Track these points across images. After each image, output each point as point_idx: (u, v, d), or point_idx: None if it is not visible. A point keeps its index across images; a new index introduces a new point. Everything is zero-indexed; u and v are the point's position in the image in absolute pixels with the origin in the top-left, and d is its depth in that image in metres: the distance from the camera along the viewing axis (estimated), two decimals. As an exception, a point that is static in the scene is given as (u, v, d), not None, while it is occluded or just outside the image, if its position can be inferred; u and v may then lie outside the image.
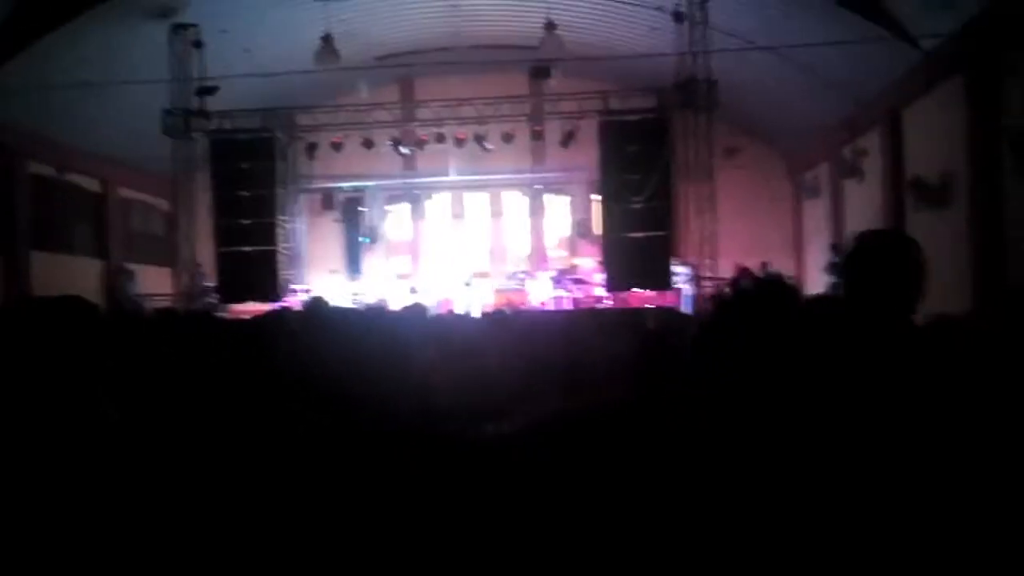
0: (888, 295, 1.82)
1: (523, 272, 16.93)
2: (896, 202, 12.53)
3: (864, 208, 14.05)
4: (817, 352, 1.75)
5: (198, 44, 13.00)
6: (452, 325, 4.34)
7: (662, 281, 14.07)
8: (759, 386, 1.61)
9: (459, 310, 14.77)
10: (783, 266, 16.55)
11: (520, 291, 16.30)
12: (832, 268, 13.47)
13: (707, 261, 13.20)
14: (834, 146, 15.24)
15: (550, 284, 16.10)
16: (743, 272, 15.32)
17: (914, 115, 12.15)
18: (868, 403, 1.56)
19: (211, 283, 14.73)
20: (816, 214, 16.79)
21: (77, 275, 14.91)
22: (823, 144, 15.76)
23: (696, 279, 13.75)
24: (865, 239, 1.98)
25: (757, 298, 1.97)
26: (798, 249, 17.85)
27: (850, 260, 1.92)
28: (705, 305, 13.15)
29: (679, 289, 14.29)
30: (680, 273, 13.99)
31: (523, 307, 15.46)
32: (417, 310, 5.04)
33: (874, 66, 11.78)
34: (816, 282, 15.67)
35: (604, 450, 1.22)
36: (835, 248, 14.27)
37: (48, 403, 1.78)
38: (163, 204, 17.53)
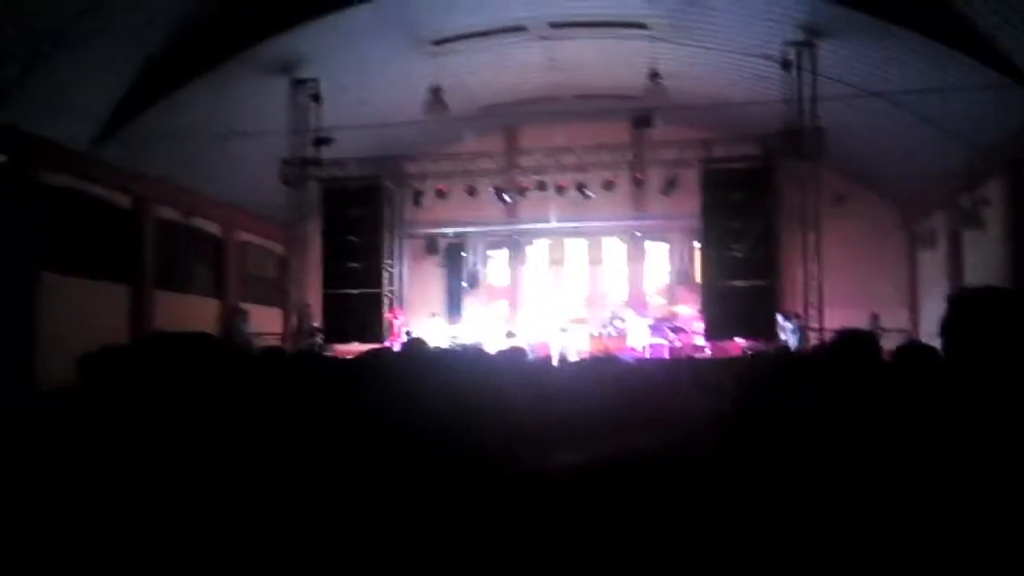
0: (986, 350, 1.75)
1: (620, 319, 16.81)
2: (1020, 254, 11.83)
3: (986, 260, 13.32)
4: (906, 405, 1.69)
5: (316, 98, 13.72)
6: (546, 369, 4.37)
7: (765, 330, 13.67)
8: (840, 437, 1.58)
9: (555, 355, 14.80)
10: (895, 318, 15.83)
11: (617, 338, 16.19)
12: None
13: (812, 312, 12.76)
14: (951, 195, 14.57)
15: (648, 331, 15.93)
16: (873, 320, 14.75)
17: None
18: (950, 459, 1.49)
19: (318, 323, 15.28)
20: (932, 265, 16.02)
21: (196, 313, 15.79)
22: (939, 193, 15.09)
23: (802, 330, 13.31)
24: (963, 295, 1.91)
25: (835, 351, 1.92)
26: (912, 301, 17.04)
27: (949, 316, 1.86)
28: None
29: (783, 340, 13.86)
30: (785, 325, 13.58)
31: (619, 354, 15.31)
32: (514, 354, 5.11)
33: (993, 112, 11.28)
34: (932, 335, 14.88)
35: (669, 493, 1.23)
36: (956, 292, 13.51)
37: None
38: (277, 248, 18.43)
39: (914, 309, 16.97)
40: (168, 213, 15.16)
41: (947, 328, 1.92)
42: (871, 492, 1.48)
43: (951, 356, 1.92)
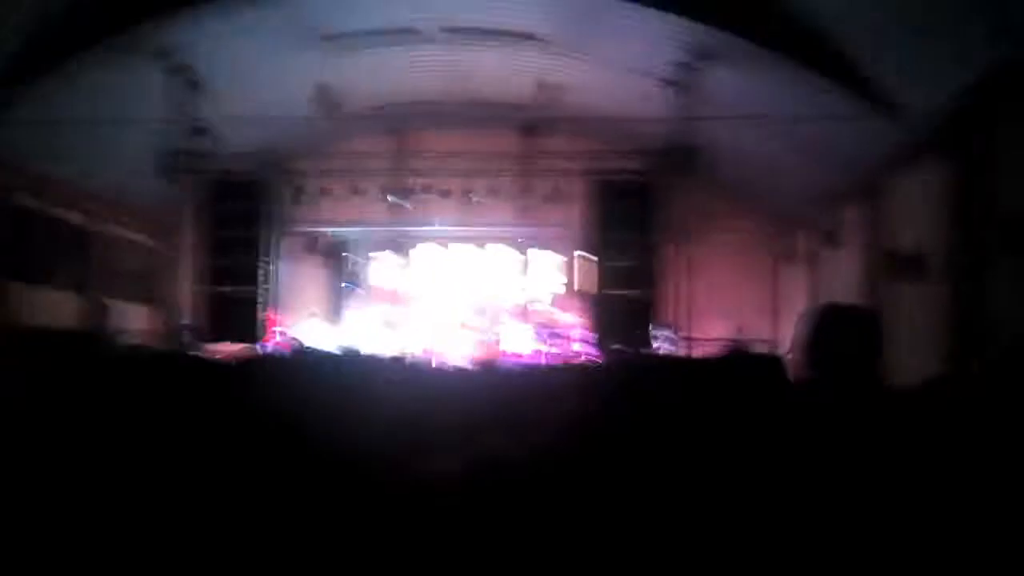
0: (850, 364, 1.87)
1: (504, 325, 16.95)
2: (872, 272, 12.73)
3: (840, 277, 14.26)
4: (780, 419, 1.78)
5: (194, 85, 13.15)
6: (431, 374, 4.35)
7: (641, 339, 14.15)
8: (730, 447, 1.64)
9: (440, 360, 14.76)
10: (759, 329, 16.74)
11: (500, 343, 16.33)
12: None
13: (682, 322, 13.30)
14: (813, 216, 15.52)
15: (530, 338, 16.14)
16: (738, 331, 15.48)
17: (898, 188, 12.42)
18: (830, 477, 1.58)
19: (188, 321, 14.65)
20: (793, 280, 17.00)
21: (56, 308, 14.80)
22: (803, 213, 16.06)
23: (675, 341, 13.84)
24: (824, 314, 2.04)
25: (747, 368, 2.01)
26: (774, 314, 18.02)
27: (812, 334, 1.98)
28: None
29: (657, 348, 14.37)
30: (659, 335, 14.08)
31: (500, 360, 15.45)
32: (392, 361, 5.05)
33: (860, 138, 12.06)
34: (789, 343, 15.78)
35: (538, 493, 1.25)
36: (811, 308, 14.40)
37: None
38: (147, 242, 17.52)
39: (775, 320, 17.95)
40: (27, 202, 14.14)
41: (808, 339, 2.04)
42: (717, 488, 1.55)
43: (805, 369, 2.03)
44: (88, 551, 1.65)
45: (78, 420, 2.09)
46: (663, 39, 12.46)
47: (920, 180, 11.49)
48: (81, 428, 2.13)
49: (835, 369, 1.94)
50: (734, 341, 15.40)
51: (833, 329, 2.00)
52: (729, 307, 16.09)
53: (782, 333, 17.36)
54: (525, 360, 15.57)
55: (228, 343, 13.93)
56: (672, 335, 13.95)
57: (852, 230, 13.88)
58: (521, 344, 16.22)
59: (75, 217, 15.81)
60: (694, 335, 13.30)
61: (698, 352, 13.61)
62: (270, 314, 15.20)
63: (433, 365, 11.37)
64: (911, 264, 11.51)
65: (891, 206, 12.65)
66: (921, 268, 11.28)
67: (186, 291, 14.68)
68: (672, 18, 11.80)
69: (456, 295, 19.27)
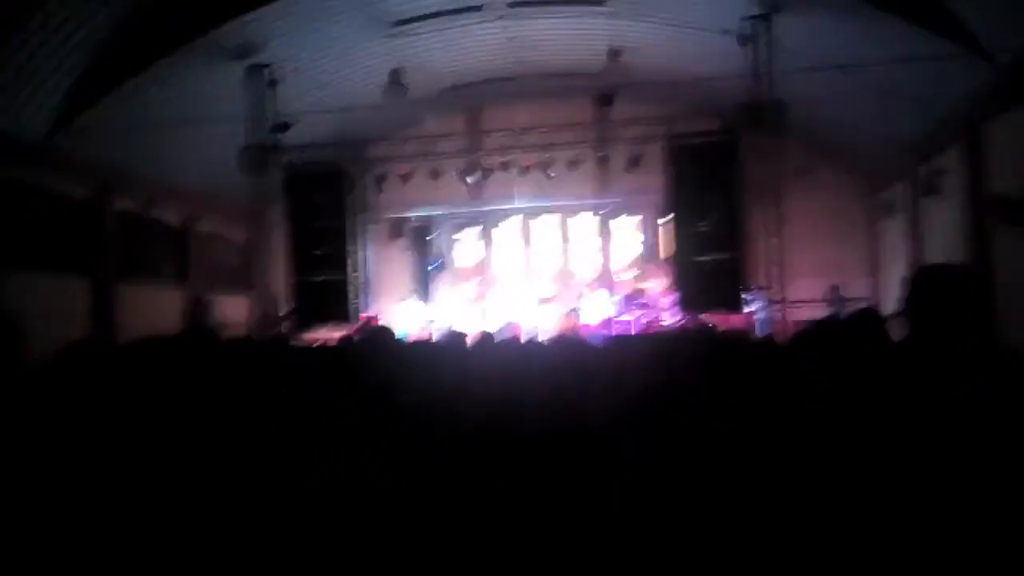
0: (946, 328, 1.78)
1: (590, 296, 16.89)
2: (978, 221, 12.07)
3: (944, 227, 13.59)
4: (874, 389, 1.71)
5: (273, 83, 13.49)
6: (517, 352, 4.38)
7: (732, 304, 13.83)
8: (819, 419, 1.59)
9: (526, 334, 14.83)
10: (858, 288, 16.14)
11: (587, 315, 16.28)
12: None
13: (776, 284, 12.90)
14: (911, 165, 14.80)
15: (616, 308, 16.04)
16: (833, 291, 15.00)
17: (996, 132, 11.72)
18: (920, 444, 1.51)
19: (284, 311, 15.14)
20: (893, 234, 16.30)
21: (160, 305, 15.52)
22: (900, 163, 15.33)
23: (769, 305, 13.47)
24: (923, 275, 1.94)
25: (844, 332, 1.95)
26: (874, 270, 17.35)
27: (912, 298, 1.88)
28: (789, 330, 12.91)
29: (751, 313, 14.03)
30: (752, 297, 13.73)
31: (588, 331, 15.42)
32: (485, 339, 5.10)
33: (951, 83, 11.44)
34: (894, 303, 15.18)
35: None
36: (914, 271, 13.81)
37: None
38: (240, 236, 18.17)
39: (876, 277, 17.28)
40: (127, 204, 14.85)
41: (908, 306, 1.95)
42: (803, 461, 1.50)
43: (913, 333, 1.95)
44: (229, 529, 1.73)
45: (208, 411, 2.19)
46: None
47: (1017, 122, 10.80)
48: (211, 418, 2.23)
49: (940, 333, 1.85)
50: (828, 302, 14.93)
51: (936, 292, 1.90)
52: (825, 266, 15.57)
53: (883, 291, 16.73)
54: (608, 331, 15.49)
55: (323, 330, 14.35)
56: (766, 298, 13.59)
57: (953, 178, 13.18)
58: (604, 315, 16.15)
59: (172, 216, 16.54)
60: (789, 297, 12.90)
61: (793, 315, 13.23)
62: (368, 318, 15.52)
63: (518, 340, 11.43)
64: (1019, 209, 10.87)
65: (993, 151, 11.95)
66: (1029, 213, 10.65)
67: (281, 281, 15.16)
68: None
69: (539, 269, 19.35)
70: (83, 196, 13.90)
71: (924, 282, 1.92)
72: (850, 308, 14.47)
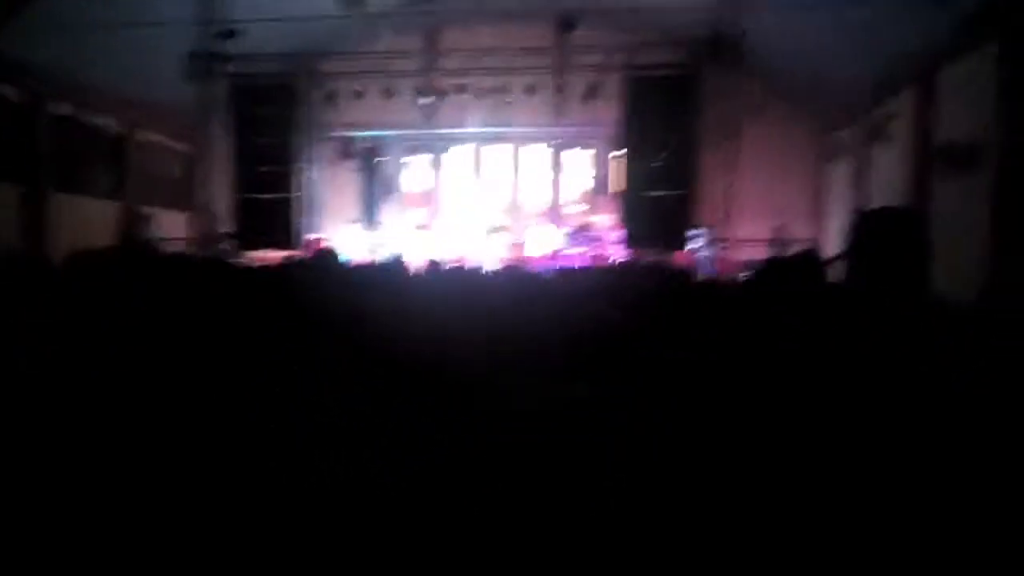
0: (893, 276, 1.77)
1: (538, 229, 16.87)
2: (923, 168, 12.29)
3: (890, 173, 13.81)
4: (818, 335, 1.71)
5: (221, -15, 12.81)
6: (462, 280, 4.33)
7: (676, 242, 13.96)
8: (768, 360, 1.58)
9: (473, 263, 14.79)
10: (803, 230, 16.43)
11: (534, 247, 16.28)
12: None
13: (724, 223, 13.04)
14: (863, 109, 14.93)
15: (564, 241, 16.06)
16: (778, 232, 15.21)
17: (947, 79, 11.85)
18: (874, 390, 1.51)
19: (226, 229, 14.77)
20: (840, 178, 16.54)
21: (97, 216, 15.01)
22: (853, 106, 15.44)
23: (713, 243, 13.63)
24: (866, 218, 1.92)
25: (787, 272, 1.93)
26: (819, 213, 17.64)
27: (854, 241, 1.87)
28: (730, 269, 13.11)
29: (693, 251, 14.21)
30: (696, 235, 13.86)
31: (535, 264, 15.44)
32: (431, 267, 5.04)
33: (908, 26, 11.46)
34: (836, 247, 15.52)
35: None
36: (856, 214, 14.09)
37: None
38: (182, 147, 17.52)
39: (820, 220, 17.59)
40: (63, 109, 14.14)
41: (850, 249, 1.94)
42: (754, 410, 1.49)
43: (856, 276, 1.94)
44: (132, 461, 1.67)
45: (129, 329, 2.10)
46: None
47: (970, 69, 10.93)
48: (131, 336, 2.14)
49: (882, 276, 1.84)
50: (773, 242, 15.14)
51: (879, 234, 1.89)
52: (772, 206, 15.75)
53: (827, 234, 17.05)
54: (555, 264, 15.53)
55: (267, 250, 14.06)
56: (710, 236, 13.73)
57: (902, 123, 13.33)
58: (552, 247, 16.18)
59: (110, 124, 15.82)
60: (734, 237, 13.05)
61: (738, 255, 13.42)
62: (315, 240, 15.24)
63: (463, 269, 11.38)
64: (963, 157, 11.08)
65: (942, 98, 12.10)
66: (974, 161, 10.85)
67: (223, 198, 14.72)
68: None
69: (488, 198, 19.19)
70: (17, 99, 13.18)
71: (865, 225, 1.91)
72: (793, 249, 14.80)
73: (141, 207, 16.22)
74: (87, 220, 14.48)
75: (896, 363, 1.54)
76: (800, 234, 16.15)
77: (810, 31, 13.42)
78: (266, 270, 3.32)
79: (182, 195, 17.37)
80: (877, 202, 14.30)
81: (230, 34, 13.09)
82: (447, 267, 5.99)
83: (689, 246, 13.90)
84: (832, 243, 16.43)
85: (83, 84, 14.00)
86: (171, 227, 16.55)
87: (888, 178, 13.91)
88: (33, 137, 13.41)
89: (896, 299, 1.78)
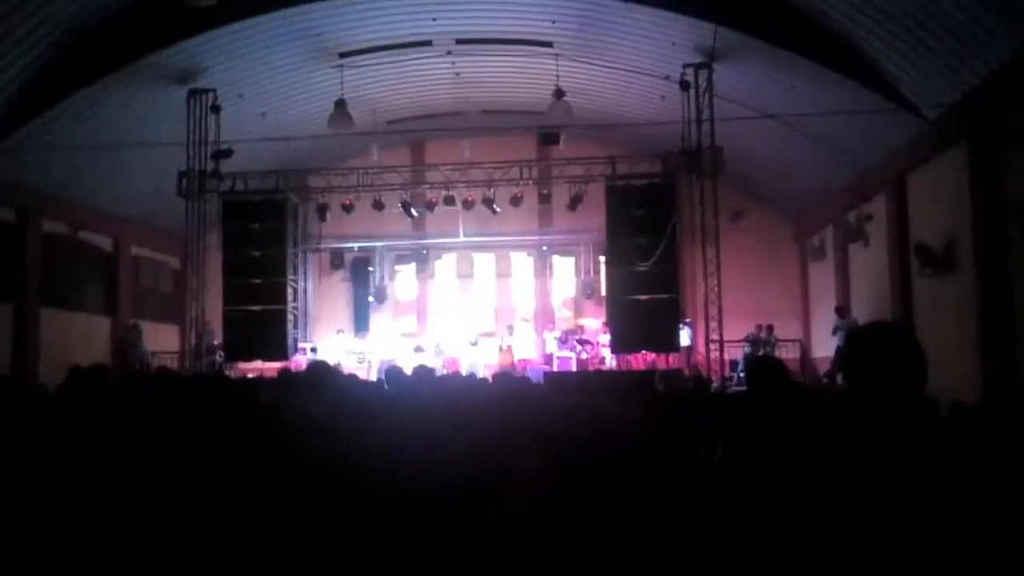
0: (891, 386, 1.84)
1: (524, 333, 17.01)
2: (902, 267, 12.59)
3: (869, 272, 14.13)
4: (825, 443, 1.76)
5: (215, 109, 13.28)
6: (462, 390, 4.36)
7: (669, 343, 14.09)
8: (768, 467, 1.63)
9: (464, 370, 14.79)
10: (790, 328, 16.62)
11: (517, 351, 16.40)
12: (837, 331, 13.55)
13: (712, 324, 13.18)
14: (839, 211, 15.40)
15: (556, 344, 16.16)
16: (758, 331, 15.42)
17: (919, 182, 12.30)
18: (872, 496, 1.56)
19: (218, 341, 14.78)
20: (822, 277, 16.86)
21: (87, 331, 15.02)
22: (828, 209, 15.93)
23: (692, 329, 13.86)
24: (863, 333, 2.01)
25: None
26: (805, 311, 17.88)
27: (851, 355, 1.95)
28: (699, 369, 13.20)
29: (685, 348, 14.32)
30: (682, 328, 14.12)
31: (527, 367, 15.48)
32: (423, 372, 5.08)
33: (879, 134, 12.00)
34: (823, 343, 15.68)
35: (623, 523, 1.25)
36: (840, 311, 14.33)
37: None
38: (174, 262, 17.73)
39: (806, 318, 17.81)
40: (55, 227, 14.36)
41: (844, 364, 2.02)
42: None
43: (854, 385, 2.00)
44: None
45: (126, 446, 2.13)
46: (676, 40, 12.46)
47: (940, 172, 11.38)
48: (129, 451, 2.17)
49: (876, 391, 1.91)
50: (750, 342, 15.34)
51: (873, 349, 1.97)
52: (758, 306, 15.97)
53: (813, 331, 17.24)
54: (548, 366, 15.57)
55: (259, 360, 14.05)
56: (690, 328, 14.00)
57: (878, 225, 13.74)
58: (543, 351, 16.28)
59: (103, 241, 16.05)
60: (723, 337, 13.16)
61: (726, 354, 13.52)
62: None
63: (454, 374, 11.41)
64: (940, 257, 11.38)
65: (914, 200, 12.53)
66: (950, 261, 11.14)
67: (215, 310, 14.78)
68: (682, 19, 11.81)
69: (477, 305, 19.36)
70: (8, 219, 13.41)
71: (859, 344, 1.99)
72: (776, 348, 14.88)
73: (133, 321, 16.26)
74: (78, 335, 14.49)
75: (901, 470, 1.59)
76: (789, 330, 16.37)
77: (785, 139, 14.00)
78: (259, 382, 3.37)
79: (173, 308, 17.45)
80: (858, 300, 14.57)
81: (227, 153, 13.43)
82: (441, 374, 6.03)
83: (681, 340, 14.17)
84: (817, 342, 16.61)
85: (75, 202, 14.30)
86: (163, 339, 16.56)
87: (867, 277, 14.21)
88: (23, 254, 13.54)
89: (896, 408, 1.84)
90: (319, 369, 3.66)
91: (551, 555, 1.24)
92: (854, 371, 1.95)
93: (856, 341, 2.00)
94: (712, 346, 13.10)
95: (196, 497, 1.92)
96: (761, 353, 14.08)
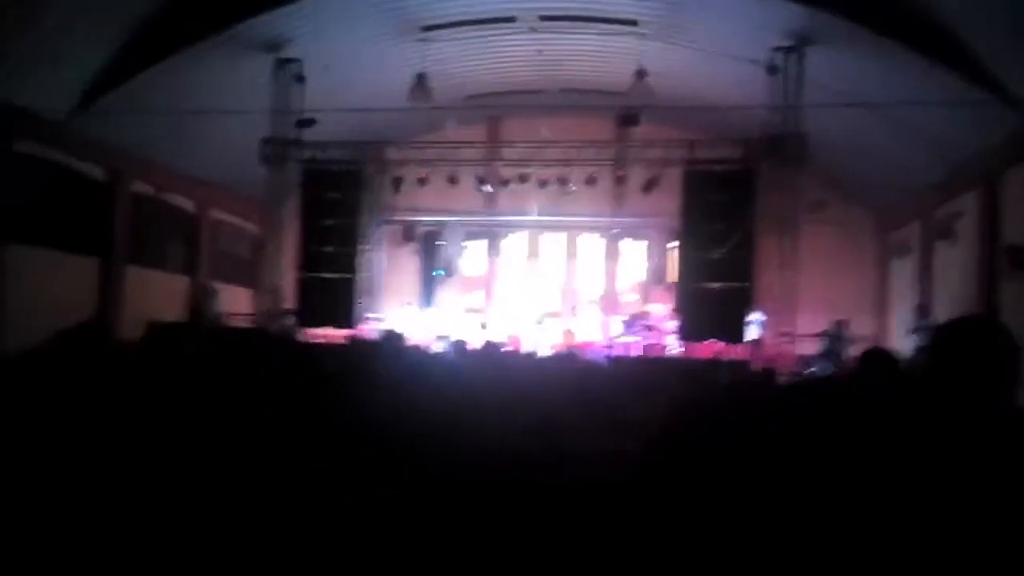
0: (977, 385, 1.73)
1: (589, 315, 16.90)
2: (990, 268, 12.03)
3: (954, 271, 13.54)
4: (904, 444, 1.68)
5: (300, 78, 13.52)
6: (528, 366, 4.36)
7: (738, 333, 13.79)
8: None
9: (527, 349, 14.79)
10: (864, 325, 16.05)
11: (581, 333, 16.32)
12: (917, 331, 12.98)
13: (785, 315, 12.85)
14: (926, 207, 14.77)
15: (621, 328, 16.01)
16: (835, 327, 14.84)
17: (1013, 180, 11.70)
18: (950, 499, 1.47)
19: (290, 306, 15.13)
20: (903, 274, 16.24)
21: (167, 290, 15.58)
22: (915, 204, 15.29)
23: (766, 327, 13.43)
24: (951, 327, 1.89)
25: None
26: (881, 309, 17.27)
27: (936, 350, 1.84)
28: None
29: (753, 341, 13.98)
30: (753, 321, 13.67)
31: (589, 350, 15.38)
32: (490, 347, 5.10)
33: (973, 128, 11.43)
34: (899, 342, 15.13)
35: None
36: (921, 309, 13.73)
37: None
38: (252, 228, 18.21)
39: (883, 316, 17.20)
40: (142, 188, 14.91)
41: (934, 354, 1.91)
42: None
43: (933, 380, 1.90)
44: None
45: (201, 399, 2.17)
46: (765, 23, 12.08)
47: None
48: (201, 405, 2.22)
49: (963, 388, 1.79)
50: (826, 337, 14.75)
51: (966, 343, 1.85)
52: (832, 300, 15.46)
53: (890, 329, 16.64)
54: (610, 350, 15.44)
55: (328, 327, 14.33)
56: (761, 320, 13.52)
57: (968, 223, 13.13)
58: (607, 334, 16.14)
59: (186, 204, 16.60)
60: (793, 330, 12.82)
61: (798, 349, 13.18)
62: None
63: (516, 353, 11.40)
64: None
65: (1009, 198, 11.92)
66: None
67: (288, 276, 15.16)
68: (774, 2, 11.43)
69: (544, 284, 19.33)
70: (100, 177, 13.96)
71: (951, 335, 1.87)
72: (850, 346, 14.17)
73: (210, 283, 16.79)
74: (158, 293, 15.03)
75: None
76: (863, 328, 15.81)
77: (874, 129, 13.48)
78: (332, 347, 3.42)
79: (249, 272, 17.95)
80: (941, 302, 13.97)
81: (310, 122, 13.71)
82: (503, 350, 6.04)
83: (746, 334, 13.71)
84: (894, 340, 16.01)
85: (161, 164, 14.78)
86: (236, 302, 17.05)
87: (952, 277, 13.62)
88: (112, 213, 14.11)
89: (981, 408, 1.73)
90: (392, 338, 3.70)
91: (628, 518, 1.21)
92: (943, 367, 1.84)
93: (948, 333, 1.89)
94: (784, 339, 12.78)
95: (274, 459, 1.94)
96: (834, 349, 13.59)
